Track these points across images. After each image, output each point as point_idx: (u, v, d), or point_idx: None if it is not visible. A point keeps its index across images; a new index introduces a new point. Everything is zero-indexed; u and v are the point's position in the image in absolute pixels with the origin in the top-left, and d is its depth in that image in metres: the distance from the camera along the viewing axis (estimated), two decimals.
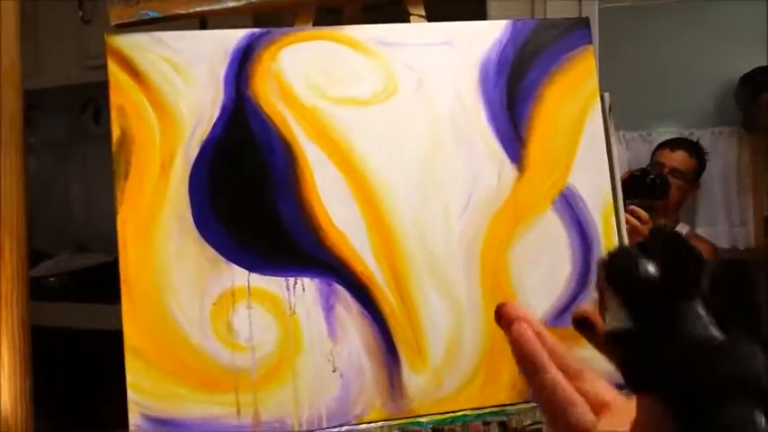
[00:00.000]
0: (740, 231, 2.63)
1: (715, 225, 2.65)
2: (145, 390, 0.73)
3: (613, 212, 0.82)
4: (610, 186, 0.83)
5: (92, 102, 2.28)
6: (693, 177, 2.32)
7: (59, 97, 2.27)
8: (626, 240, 0.86)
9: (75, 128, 2.52)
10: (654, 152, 2.41)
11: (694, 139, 2.48)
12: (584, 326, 0.37)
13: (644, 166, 2.32)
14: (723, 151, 2.65)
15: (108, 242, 2.60)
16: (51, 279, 2.06)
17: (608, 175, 0.83)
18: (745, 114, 2.62)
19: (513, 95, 0.83)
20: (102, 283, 2.13)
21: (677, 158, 2.29)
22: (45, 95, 2.17)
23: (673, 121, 2.73)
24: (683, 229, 2.30)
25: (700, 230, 2.51)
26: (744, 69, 2.53)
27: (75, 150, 2.58)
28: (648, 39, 2.70)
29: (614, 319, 0.30)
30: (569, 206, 0.82)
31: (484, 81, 0.82)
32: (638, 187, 2.07)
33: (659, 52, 2.71)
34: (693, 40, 2.68)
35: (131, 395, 0.73)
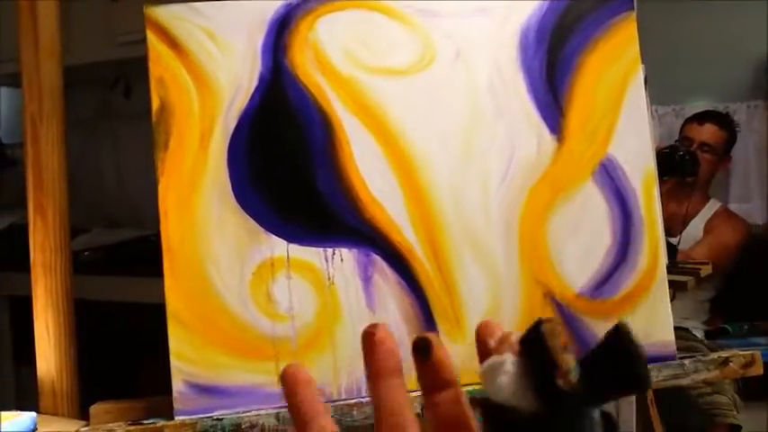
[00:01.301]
0: None
1: (748, 201, 2.60)
2: (187, 357, 0.75)
3: (656, 183, 0.81)
4: (652, 156, 0.81)
5: (121, 78, 2.29)
6: (724, 150, 2.27)
7: (89, 74, 2.29)
8: (660, 216, 0.85)
9: (105, 105, 2.55)
10: (682, 127, 2.36)
11: (730, 114, 2.42)
12: (421, 351, 0.30)
13: (673, 142, 2.29)
14: (758, 126, 2.60)
15: (139, 218, 2.64)
16: (86, 253, 2.10)
17: (650, 144, 0.82)
18: None
19: (553, 64, 0.81)
20: (133, 257, 2.17)
21: (706, 132, 2.24)
22: (74, 73, 2.19)
23: (707, 94, 2.67)
24: (714, 205, 2.26)
25: (732, 206, 2.46)
26: None
27: (105, 127, 2.61)
28: (682, 11, 2.64)
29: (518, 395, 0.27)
30: (609, 177, 0.81)
31: (523, 49, 0.81)
32: (667, 165, 2.03)
33: (693, 25, 2.65)
34: (728, 13, 2.61)
35: (174, 362, 0.74)
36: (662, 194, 1.82)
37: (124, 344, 1.99)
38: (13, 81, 2.63)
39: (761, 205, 2.59)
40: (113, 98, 2.49)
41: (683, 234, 2.08)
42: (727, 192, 2.60)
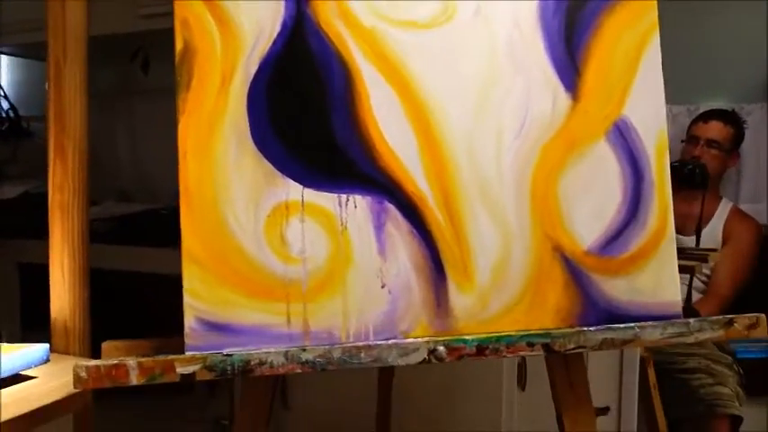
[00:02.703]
0: None
1: (760, 201, 2.60)
2: (200, 295, 0.76)
3: (667, 146, 0.82)
4: (665, 119, 0.82)
5: (141, 51, 2.31)
6: (731, 146, 2.27)
7: (109, 46, 2.31)
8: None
9: (123, 78, 2.57)
10: (689, 127, 2.37)
11: (743, 114, 2.42)
12: None
13: (680, 142, 2.30)
14: None
15: (151, 192, 2.65)
16: (96, 223, 2.11)
17: (663, 108, 0.83)
18: None
19: (571, 24, 0.82)
20: (143, 228, 2.19)
21: (712, 129, 2.25)
22: (94, 44, 2.21)
23: (721, 94, 2.67)
24: (727, 205, 2.26)
25: (744, 207, 2.46)
26: None
27: (122, 101, 2.63)
28: (698, 11, 2.64)
29: None
30: (623, 137, 0.82)
31: (543, 8, 0.82)
32: (677, 178, 2.03)
33: (708, 24, 2.65)
34: (744, 13, 2.61)
35: (187, 299, 0.76)
36: (673, 200, 1.83)
37: (133, 312, 2.01)
38: (29, 52, 2.65)
39: None
40: (132, 74, 2.51)
41: (703, 236, 2.07)
42: (738, 192, 2.60)
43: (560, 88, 0.82)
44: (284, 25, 0.79)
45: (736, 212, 2.28)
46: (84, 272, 0.91)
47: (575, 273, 0.80)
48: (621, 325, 0.77)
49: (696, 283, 2.10)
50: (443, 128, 0.80)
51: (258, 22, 0.79)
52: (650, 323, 0.77)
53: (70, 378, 0.71)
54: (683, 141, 2.32)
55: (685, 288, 1.81)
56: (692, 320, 0.77)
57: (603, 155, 0.81)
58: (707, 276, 2.14)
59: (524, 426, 1.43)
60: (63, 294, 0.90)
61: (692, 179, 2.06)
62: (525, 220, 0.80)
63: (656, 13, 0.83)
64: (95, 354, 0.90)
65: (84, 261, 0.91)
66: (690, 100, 2.68)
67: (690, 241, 2.05)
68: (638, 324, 0.77)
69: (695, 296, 2.10)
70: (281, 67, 0.79)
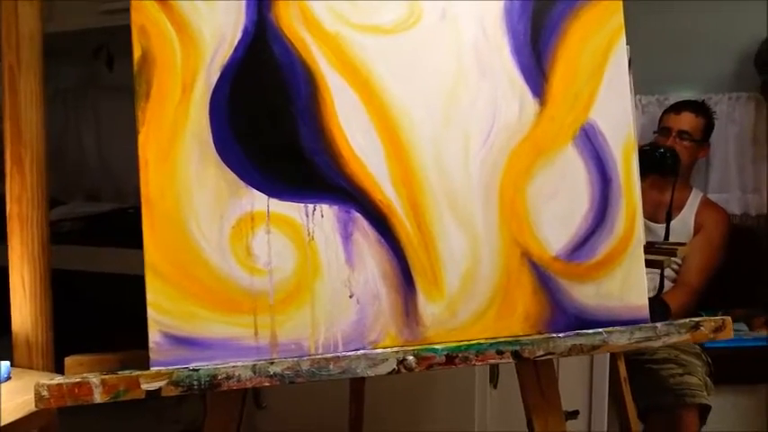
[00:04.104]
0: (753, 198, 2.61)
1: (727, 191, 2.63)
2: (164, 309, 0.74)
3: (635, 149, 0.82)
4: (632, 123, 0.82)
5: (104, 47, 2.26)
6: (702, 137, 2.30)
7: (72, 43, 2.26)
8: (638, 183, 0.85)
9: (87, 75, 2.51)
10: (660, 118, 2.39)
11: (711, 105, 2.45)
12: None
13: (652, 133, 2.32)
14: (740, 117, 2.62)
15: (119, 191, 2.60)
16: (67, 223, 2.08)
17: (630, 112, 0.83)
18: (763, 80, 2.58)
19: (537, 28, 0.82)
20: (111, 228, 2.15)
21: (683, 120, 2.27)
22: (57, 41, 2.15)
23: (690, 85, 2.69)
24: (697, 195, 2.29)
25: (712, 196, 2.49)
26: (765, 35, 2.49)
27: (87, 99, 2.58)
28: (668, 2, 2.65)
29: None
30: (590, 142, 0.82)
31: (509, 12, 0.82)
32: (648, 163, 2.05)
33: (678, 16, 2.67)
34: (713, 4, 2.63)
35: (151, 313, 0.74)
36: (643, 187, 1.85)
37: (100, 314, 1.98)
38: None
39: (739, 195, 2.62)
40: (96, 70, 2.45)
41: (673, 226, 2.10)
42: (706, 182, 2.63)
43: (527, 93, 0.81)
44: (245, 31, 0.77)
45: (707, 203, 2.31)
46: (46, 284, 0.89)
47: (543, 279, 0.80)
48: (590, 331, 0.77)
49: (668, 272, 2.13)
50: (410, 134, 0.79)
51: (219, 28, 0.77)
52: (618, 328, 0.78)
53: (33, 395, 0.70)
54: (654, 132, 2.34)
55: (657, 278, 1.83)
56: (659, 325, 0.78)
57: (571, 160, 0.81)
58: (678, 265, 2.17)
59: (497, 423, 1.43)
60: (24, 308, 0.87)
61: (663, 164, 2.07)
62: (493, 227, 0.80)
63: (622, 16, 0.83)
64: (60, 364, 0.88)
65: (45, 273, 0.88)
66: (659, 90, 2.70)
67: (661, 228, 2.07)
68: (605, 329, 0.77)
69: (666, 285, 2.12)
70: (244, 75, 0.77)
